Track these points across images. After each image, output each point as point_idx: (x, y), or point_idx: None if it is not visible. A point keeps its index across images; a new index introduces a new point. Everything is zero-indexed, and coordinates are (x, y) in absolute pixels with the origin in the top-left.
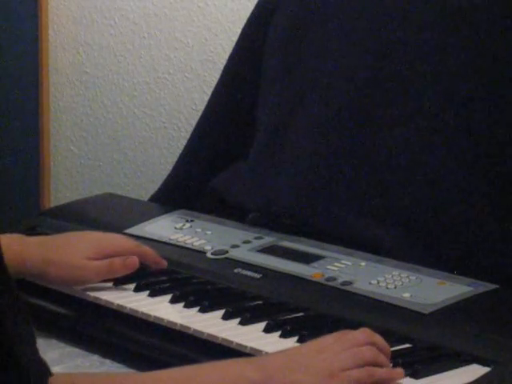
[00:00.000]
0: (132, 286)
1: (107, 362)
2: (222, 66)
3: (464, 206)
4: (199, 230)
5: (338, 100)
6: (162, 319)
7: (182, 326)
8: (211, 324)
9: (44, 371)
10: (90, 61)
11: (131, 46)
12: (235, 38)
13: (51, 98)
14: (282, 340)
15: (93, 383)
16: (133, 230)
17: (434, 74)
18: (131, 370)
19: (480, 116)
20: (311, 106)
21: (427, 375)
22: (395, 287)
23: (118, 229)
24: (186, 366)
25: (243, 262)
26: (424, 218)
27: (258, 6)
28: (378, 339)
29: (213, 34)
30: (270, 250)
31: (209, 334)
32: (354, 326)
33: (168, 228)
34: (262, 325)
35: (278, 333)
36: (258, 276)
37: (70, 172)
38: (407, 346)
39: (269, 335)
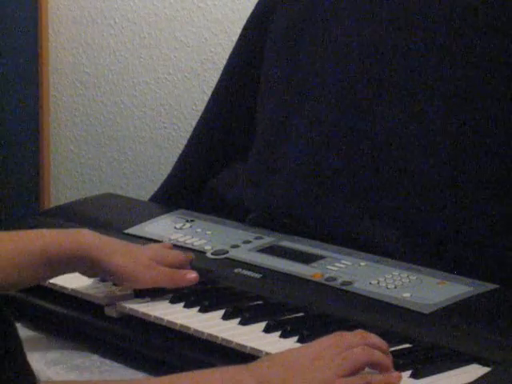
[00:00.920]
0: None
1: (107, 362)
2: (221, 66)
3: (464, 206)
4: (199, 230)
5: (337, 100)
6: (162, 319)
7: (181, 326)
8: (211, 324)
9: (30, 380)
10: (89, 61)
11: (131, 46)
12: (235, 38)
13: (51, 98)
14: (282, 340)
15: None
16: (133, 230)
17: (433, 74)
18: (131, 370)
19: (481, 116)
20: (311, 106)
21: (427, 375)
22: (395, 287)
23: (118, 229)
24: (181, 373)
25: (243, 262)
26: (424, 218)
27: (257, 6)
28: (374, 339)
29: (213, 34)
30: (270, 250)
31: (209, 334)
32: (354, 326)
33: (168, 228)
34: (262, 325)
35: (278, 333)
36: (258, 276)
37: (69, 172)
38: (407, 346)
39: (269, 335)
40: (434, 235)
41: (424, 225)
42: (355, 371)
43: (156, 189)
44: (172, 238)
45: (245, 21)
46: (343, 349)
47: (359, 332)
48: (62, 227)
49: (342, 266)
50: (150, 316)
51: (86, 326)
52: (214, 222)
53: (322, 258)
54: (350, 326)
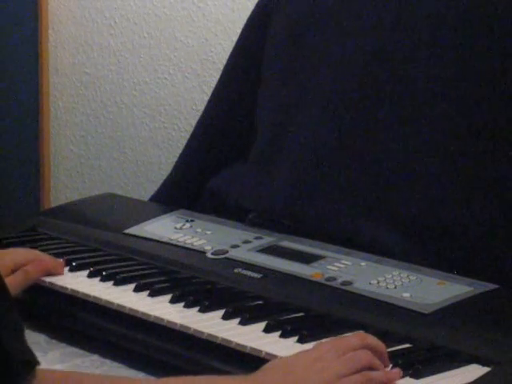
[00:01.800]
0: (132, 286)
1: (107, 362)
2: (221, 66)
3: (464, 206)
4: (199, 230)
5: (337, 100)
6: (162, 319)
7: (181, 326)
8: (211, 324)
9: (31, 360)
10: (89, 61)
11: (131, 46)
12: (235, 38)
13: (51, 98)
14: (282, 340)
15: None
16: (133, 230)
17: (433, 74)
18: (131, 370)
19: (481, 117)
20: (311, 107)
21: (427, 375)
22: (395, 287)
23: (118, 229)
24: (180, 378)
25: (243, 262)
26: (424, 218)
27: (257, 6)
28: (373, 341)
29: (213, 33)
30: (270, 250)
31: (209, 334)
32: (354, 326)
33: (168, 228)
34: (262, 325)
35: (278, 333)
36: (258, 276)
37: (69, 172)
38: (407, 346)
39: (269, 335)
40: (434, 235)
41: (424, 225)
42: (356, 373)
43: (156, 189)
44: (172, 237)
45: (245, 21)
46: (343, 351)
47: (358, 333)
48: (62, 227)
49: (341, 265)
50: (149, 316)
51: (86, 326)
52: (214, 222)
53: (321, 258)
54: (349, 326)
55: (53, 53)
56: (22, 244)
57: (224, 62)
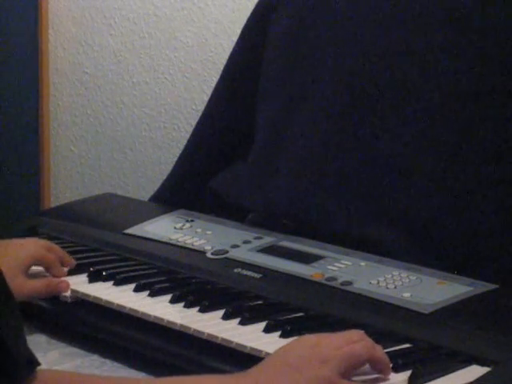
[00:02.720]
0: (132, 286)
1: (107, 362)
2: (221, 66)
3: (464, 206)
4: (199, 230)
5: (337, 100)
6: (162, 319)
7: (181, 325)
8: (211, 324)
9: (32, 360)
10: (89, 61)
11: (131, 46)
12: (235, 38)
13: (51, 98)
14: (282, 340)
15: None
16: (133, 230)
17: (434, 74)
18: (131, 370)
19: (481, 117)
20: (311, 107)
21: (427, 375)
22: (395, 287)
23: (118, 229)
24: (177, 377)
25: (243, 262)
26: (424, 218)
27: (258, 6)
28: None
29: (213, 34)
30: (270, 250)
31: (209, 334)
32: (354, 326)
33: (168, 228)
34: (262, 325)
35: (278, 333)
36: (258, 276)
37: (69, 172)
38: (407, 346)
39: (269, 335)
40: (434, 235)
41: (424, 225)
42: (355, 367)
43: (156, 189)
44: (172, 237)
45: (245, 21)
46: (343, 345)
47: (356, 331)
48: (62, 227)
49: (341, 265)
50: (149, 316)
51: (86, 326)
52: (214, 222)
53: (321, 258)
54: (349, 326)
55: (53, 53)
56: None
57: (224, 62)
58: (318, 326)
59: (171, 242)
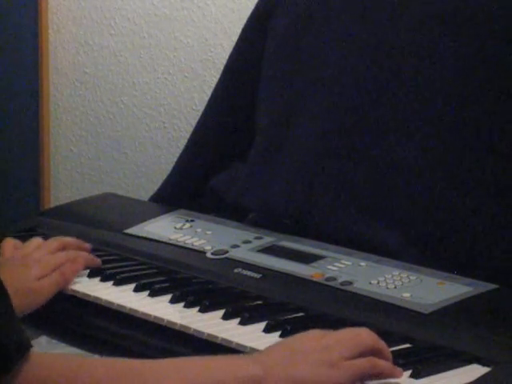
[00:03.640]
0: (132, 286)
1: None
2: (222, 66)
3: (464, 206)
4: (199, 230)
5: (337, 100)
6: (162, 319)
7: (181, 325)
8: (211, 324)
9: (23, 344)
10: (89, 61)
11: (131, 46)
12: (235, 38)
13: (51, 98)
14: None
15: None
16: (133, 230)
17: (434, 75)
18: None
19: (482, 118)
20: (311, 106)
21: (427, 375)
22: (395, 287)
23: (118, 229)
24: (185, 357)
25: (243, 262)
26: (424, 218)
27: (257, 6)
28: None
29: (213, 33)
30: (270, 250)
31: (209, 334)
32: (354, 326)
33: (168, 228)
34: (262, 325)
35: (278, 333)
36: (257, 276)
37: (69, 172)
38: (407, 346)
39: (269, 335)
40: (434, 235)
41: (424, 225)
42: (360, 353)
43: (156, 189)
44: (172, 238)
45: (245, 21)
46: (349, 334)
47: (364, 328)
48: (62, 227)
49: (342, 265)
50: (149, 316)
51: (86, 326)
52: (214, 222)
53: (321, 258)
54: (349, 326)
55: (53, 53)
56: None
57: (224, 62)
58: (317, 326)
59: (171, 241)
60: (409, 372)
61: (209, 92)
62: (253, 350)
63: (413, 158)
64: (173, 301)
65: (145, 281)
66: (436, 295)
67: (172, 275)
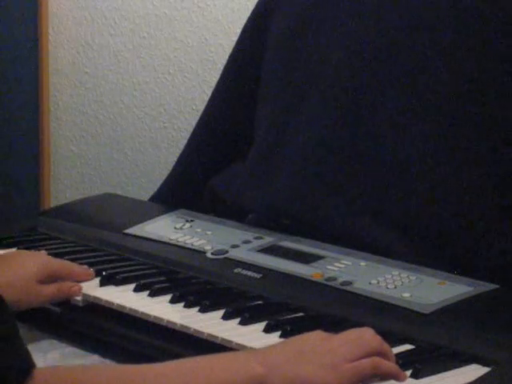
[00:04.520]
0: (132, 286)
1: (107, 362)
2: (221, 66)
3: (464, 206)
4: (199, 230)
5: (337, 100)
6: (162, 319)
7: (181, 325)
8: (211, 324)
9: (28, 363)
10: (89, 61)
11: (131, 46)
12: (235, 38)
13: (51, 98)
14: (282, 340)
15: (78, 378)
16: (133, 230)
17: (435, 73)
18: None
19: (481, 116)
20: (311, 106)
21: (427, 375)
22: (395, 287)
23: (118, 229)
24: (187, 358)
25: (243, 262)
26: (424, 218)
27: (257, 6)
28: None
29: (213, 34)
30: (270, 250)
31: (209, 334)
32: (354, 326)
33: (168, 228)
34: (262, 325)
35: (278, 333)
36: (257, 276)
37: (69, 172)
38: (407, 346)
39: (269, 335)
40: (434, 235)
41: (424, 225)
42: (364, 354)
43: (156, 189)
44: (172, 237)
45: (245, 21)
46: (353, 335)
47: (367, 328)
48: (62, 227)
49: (341, 265)
50: (149, 316)
51: (86, 326)
52: (214, 222)
53: (321, 258)
54: (349, 326)
55: (53, 53)
56: (21, 244)
57: (224, 61)
58: (318, 326)
59: (171, 242)
60: (409, 372)
61: (209, 92)
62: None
63: (413, 158)
64: (173, 301)
65: (145, 281)
66: (436, 295)
67: (172, 275)
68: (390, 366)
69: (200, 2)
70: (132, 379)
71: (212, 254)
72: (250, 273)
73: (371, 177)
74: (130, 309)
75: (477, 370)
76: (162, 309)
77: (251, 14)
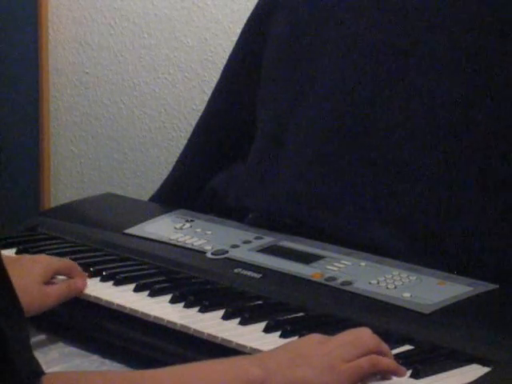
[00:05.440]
0: (132, 286)
1: (107, 362)
2: (221, 66)
3: (464, 206)
4: (199, 230)
5: (338, 100)
6: (162, 319)
7: (182, 325)
8: (211, 324)
9: (37, 370)
10: (90, 61)
11: (131, 46)
12: (235, 38)
13: (51, 98)
14: (282, 340)
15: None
16: (133, 230)
17: (435, 74)
18: (131, 370)
19: (481, 117)
20: (311, 107)
21: (427, 375)
22: (395, 287)
23: (118, 229)
24: (185, 364)
25: (243, 262)
26: (424, 218)
27: (257, 6)
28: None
29: (213, 34)
30: (270, 250)
31: (209, 334)
32: (354, 326)
33: (168, 228)
34: (262, 325)
35: (278, 333)
36: (257, 276)
37: (69, 172)
38: (407, 346)
39: (269, 335)
40: (434, 235)
41: (424, 225)
42: (362, 354)
43: (156, 189)
44: (172, 237)
45: (245, 21)
46: (350, 336)
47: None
48: (62, 227)
49: (341, 266)
50: (149, 316)
51: (86, 326)
52: (214, 222)
53: (321, 258)
54: (349, 326)
55: (53, 53)
56: (21, 244)
57: (224, 62)
58: (317, 325)
59: (171, 242)
60: (409, 372)
61: (209, 92)
62: (253, 350)
63: (413, 158)
64: (173, 301)
65: (145, 281)
66: (436, 295)
67: (172, 275)
68: (388, 362)
69: (200, 1)
70: None
71: (212, 254)
72: (249, 273)
73: (372, 177)
74: (130, 309)
75: (477, 370)
76: (162, 309)
77: (251, 14)
